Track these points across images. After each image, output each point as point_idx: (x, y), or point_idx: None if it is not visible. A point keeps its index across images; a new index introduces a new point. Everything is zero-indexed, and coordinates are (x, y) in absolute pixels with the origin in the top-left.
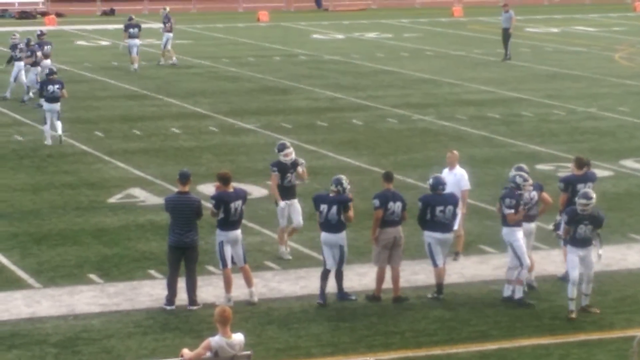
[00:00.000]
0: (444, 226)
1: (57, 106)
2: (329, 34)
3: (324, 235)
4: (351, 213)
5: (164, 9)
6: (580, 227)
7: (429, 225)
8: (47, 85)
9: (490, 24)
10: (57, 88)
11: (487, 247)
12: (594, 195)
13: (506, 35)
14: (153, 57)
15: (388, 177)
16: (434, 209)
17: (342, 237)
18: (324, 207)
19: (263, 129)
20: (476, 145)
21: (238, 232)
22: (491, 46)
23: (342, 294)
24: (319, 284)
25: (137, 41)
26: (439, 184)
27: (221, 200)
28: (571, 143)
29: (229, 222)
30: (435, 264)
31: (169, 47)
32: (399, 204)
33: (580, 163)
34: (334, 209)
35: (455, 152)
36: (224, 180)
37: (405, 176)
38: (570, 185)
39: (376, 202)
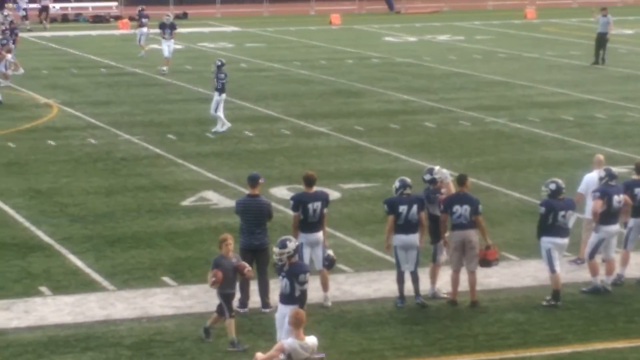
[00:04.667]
0: (564, 231)
1: None
2: (401, 37)
3: (401, 238)
4: (424, 215)
5: (141, 7)
6: None
7: (549, 230)
8: None
9: (564, 25)
10: None
11: None
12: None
13: (602, 39)
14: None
15: (460, 180)
16: (556, 214)
17: (417, 237)
18: (403, 208)
19: (335, 131)
20: (549, 148)
21: (318, 235)
22: (565, 48)
23: (419, 296)
24: (397, 287)
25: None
26: (561, 189)
27: (299, 201)
28: None
29: (307, 224)
30: (553, 270)
31: (142, 42)
32: (466, 207)
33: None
34: (415, 208)
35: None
36: (307, 181)
37: (478, 179)
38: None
39: (442, 205)
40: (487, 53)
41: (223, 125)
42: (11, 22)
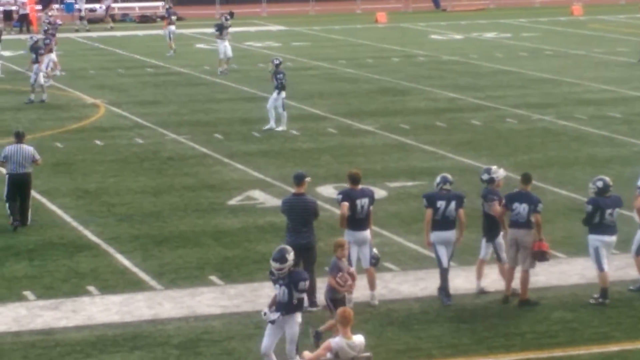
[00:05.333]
0: (611, 229)
1: None
2: (447, 35)
3: (438, 235)
4: (463, 212)
5: (169, 5)
6: None
7: (596, 228)
8: None
9: (611, 22)
10: None
11: None
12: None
13: None
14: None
15: (523, 179)
16: (603, 212)
17: (454, 233)
18: (441, 204)
19: (382, 130)
20: (597, 145)
21: (366, 233)
22: (612, 45)
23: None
24: (441, 285)
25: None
26: (608, 187)
27: (347, 195)
28: None
29: (355, 220)
30: (601, 268)
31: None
32: (524, 206)
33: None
34: (453, 204)
35: None
36: (353, 179)
37: None
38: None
39: (504, 199)
40: (533, 50)
41: (281, 124)
42: (49, 22)
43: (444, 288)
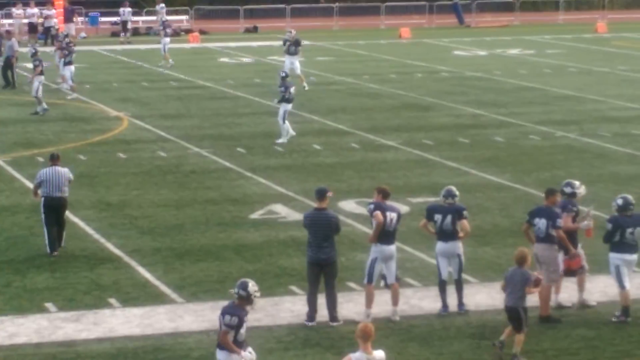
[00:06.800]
0: (632, 247)
1: None
2: (471, 51)
3: (440, 245)
4: (466, 223)
5: (165, 19)
6: None
7: (617, 247)
8: None
9: (636, 40)
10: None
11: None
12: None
13: None
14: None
15: (547, 193)
16: (624, 231)
17: (458, 245)
18: (438, 217)
19: (404, 145)
20: (620, 163)
21: (393, 248)
22: (636, 62)
23: (461, 306)
24: (440, 296)
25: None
26: (628, 205)
27: (379, 207)
28: None
29: (384, 233)
30: (622, 286)
31: (166, 52)
32: (543, 221)
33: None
34: (449, 218)
35: None
36: (384, 193)
37: None
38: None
39: (527, 216)
40: (557, 67)
41: (283, 136)
42: (66, 35)
43: (442, 299)
